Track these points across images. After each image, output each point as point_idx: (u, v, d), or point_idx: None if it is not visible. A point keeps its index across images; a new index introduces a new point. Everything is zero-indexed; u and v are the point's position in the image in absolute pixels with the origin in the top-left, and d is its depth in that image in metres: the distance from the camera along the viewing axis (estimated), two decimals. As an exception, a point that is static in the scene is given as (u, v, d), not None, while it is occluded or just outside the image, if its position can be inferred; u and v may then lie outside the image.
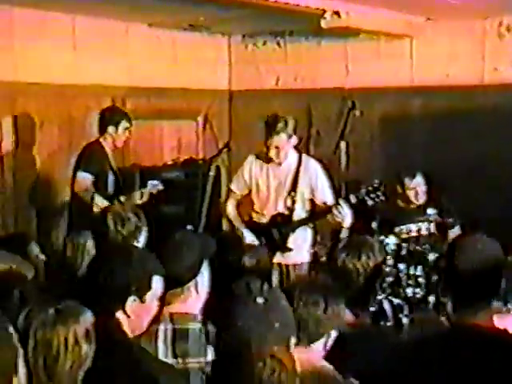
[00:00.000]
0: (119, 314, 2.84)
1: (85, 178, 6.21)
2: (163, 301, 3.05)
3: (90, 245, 5.13)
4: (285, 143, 5.67)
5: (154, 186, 6.49)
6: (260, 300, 2.57)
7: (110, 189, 6.38)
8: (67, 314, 2.45)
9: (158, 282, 2.93)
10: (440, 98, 7.47)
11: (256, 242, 5.65)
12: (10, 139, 6.84)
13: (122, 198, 6.25)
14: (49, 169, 7.07)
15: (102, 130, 6.39)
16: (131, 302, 2.84)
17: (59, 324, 2.43)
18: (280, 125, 5.60)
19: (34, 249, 4.20)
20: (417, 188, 6.40)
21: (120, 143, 6.45)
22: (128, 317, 2.84)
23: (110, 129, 6.35)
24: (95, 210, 6.14)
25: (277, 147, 5.66)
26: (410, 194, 6.42)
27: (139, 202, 6.20)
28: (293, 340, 2.58)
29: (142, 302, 2.87)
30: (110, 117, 6.40)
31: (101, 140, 6.41)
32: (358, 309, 3.42)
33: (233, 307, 2.57)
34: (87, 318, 2.47)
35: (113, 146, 6.42)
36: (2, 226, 6.75)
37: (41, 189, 7.05)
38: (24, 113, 6.87)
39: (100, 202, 6.14)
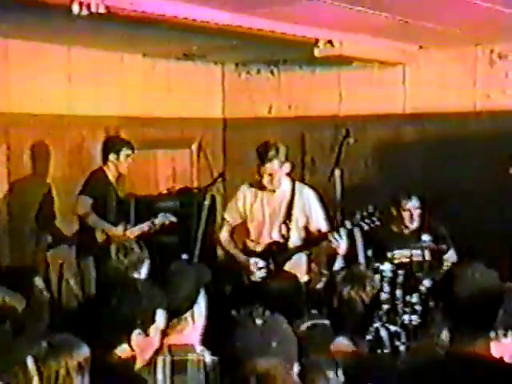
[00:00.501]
0: (124, 347, 2.83)
1: (85, 201, 6.38)
2: (164, 334, 3.06)
3: (92, 275, 5.17)
4: (277, 170, 5.69)
5: (167, 217, 6.54)
6: (259, 321, 2.56)
7: (113, 216, 6.45)
8: (60, 348, 2.42)
9: (161, 316, 2.95)
10: (433, 124, 7.52)
11: (261, 264, 5.68)
12: (4, 169, 6.84)
13: (129, 227, 6.32)
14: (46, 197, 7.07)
15: (105, 158, 6.58)
16: (136, 336, 2.85)
17: (51, 357, 2.41)
18: (271, 152, 5.62)
19: (39, 284, 4.17)
20: (412, 210, 6.42)
21: (123, 170, 6.61)
22: (132, 350, 2.86)
23: (111, 156, 6.52)
24: (97, 235, 6.24)
25: (270, 174, 5.68)
26: (405, 216, 6.43)
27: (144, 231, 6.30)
28: (296, 367, 2.56)
29: (147, 335, 2.88)
30: (111, 145, 6.61)
31: (104, 168, 6.58)
32: (357, 338, 3.42)
33: (232, 331, 2.57)
34: (81, 351, 2.44)
35: (116, 173, 6.58)
36: (9, 257, 6.75)
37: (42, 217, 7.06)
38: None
39: (100, 225, 6.25)
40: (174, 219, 6.57)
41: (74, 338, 2.48)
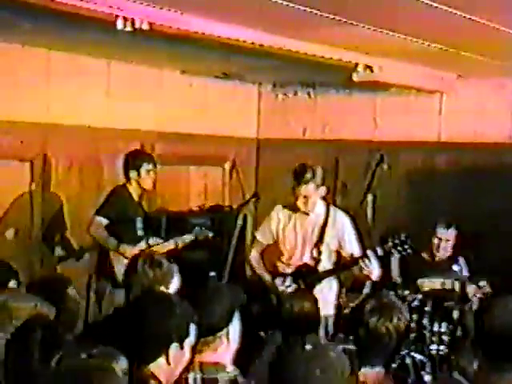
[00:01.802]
0: (160, 361, 2.86)
1: (99, 222, 6.26)
2: (195, 349, 3.07)
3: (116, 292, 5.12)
4: (313, 193, 5.68)
5: (203, 232, 6.51)
6: (308, 346, 2.56)
7: (140, 232, 6.41)
8: (101, 359, 2.42)
9: (193, 330, 2.96)
10: (467, 154, 7.48)
11: (288, 282, 5.67)
12: (39, 179, 6.90)
13: (151, 241, 6.28)
14: (75, 210, 7.11)
15: (126, 175, 6.43)
16: (174, 349, 2.88)
17: (92, 369, 2.41)
18: (308, 175, 5.61)
19: (74, 295, 4.18)
20: (448, 239, 6.41)
21: (147, 185, 6.43)
22: (169, 364, 2.87)
23: (132, 173, 6.37)
24: (111, 255, 6.20)
25: (305, 197, 5.67)
26: (440, 244, 6.42)
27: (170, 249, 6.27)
28: None
29: (181, 348, 2.91)
30: (131, 161, 6.42)
31: (127, 185, 6.44)
32: (383, 367, 3.40)
33: (281, 354, 2.58)
34: (120, 363, 2.44)
35: (139, 189, 6.43)
36: (28, 266, 6.78)
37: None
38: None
39: (111, 245, 6.20)
40: (210, 235, 6.51)
41: (113, 349, 2.47)
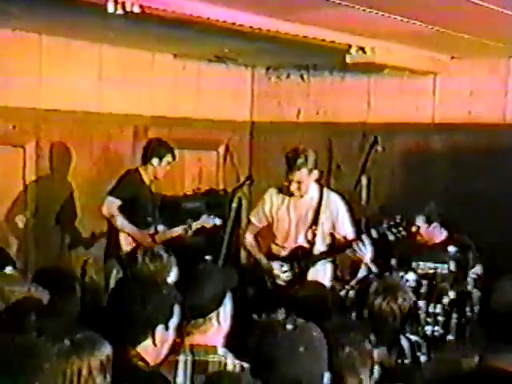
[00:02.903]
0: (147, 343, 2.89)
1: (112, 202, 6.31)
2: (181, 331, 3.09)
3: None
4: (306, 178, 5.67)
5: (212, 220, 6.52)
6: (289, 326, 2.56)
7: (149, 217, 6.48)
8: (83, 346, 2.40)
9: (177, 310, 3.00)
10: (462, 135, 7.47)
11: (286, 267, 5.68)
12: (33, 165, 6.88)
13: (161, 228, 6.31)
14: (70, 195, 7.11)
15: (145, 161, 6.50)
16: (160, 330, 2.93)
17: (74, 355, 2.40)
18: (300, 160, 5.59)
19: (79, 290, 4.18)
20: (421, 229, 6.38)
21: (161, 175, 6.56)
22: (155, 345, 2.92)
23: (155, 161, 6.46)
24: (121, 237, 6.23)
25: (298, 182, 5.67)
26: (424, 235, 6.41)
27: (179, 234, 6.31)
28: (326, 375, 2.55)
29: (167, 330, 2.96)
30: (157, 149, 6.50)
31: (140, 169, 6.51)
32: (387, 348, 3.42)
33: (261, 335, 2.57)
34: (103, 350, 2.41)
35: (153, 177, 6.53)
36: (23, 253, 6.79)
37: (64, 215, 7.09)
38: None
39: (121, 225, 6.28)
40: (219, 223, 6.55)
41: (97, 335, 2.45)
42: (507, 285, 3.09)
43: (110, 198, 6.33)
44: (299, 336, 2.54)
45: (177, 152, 6.77)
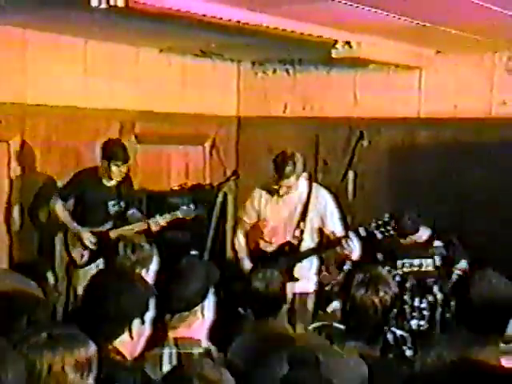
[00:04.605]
0: (124, 337, 2.91)
1: (55, 200, 6.46)
2: (156, 323, 3.09)
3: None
4: (294, 183, 5.68)
5: (187, 211, 6.48)
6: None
7: (108, 215, 6.47)
8: (59, 341, 2.38)
9: (152, 304, 3.02)
10: (448, 129, 7.48)
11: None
12: (17, 160, 6.86)
13: (130, 226, 6.30)
14: (51, 190, 7.06)
15: (101, 161, 6.49)
16: (136, 324, 2.95)
17: (47, 349, 2.36)
18: (289, 168, 5.57)
19: (50, 277, 4.19)
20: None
21: (116, 177, 6.45)
22: (132, 339, 2.93)
23: (103, 163, 6.44)
24: (68, 235, 6.32)
25: (288, 187, 5.67)
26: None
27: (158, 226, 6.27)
28: None
29: (143, 323, 2.98)
30: (103, 152, 6.46)
31: (99, 168, 6.50)
32: (370, 342, 3.42)
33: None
34: (83, 348, 2.39)
35: (108, 178, 6.47)
36: (8, 247, 6.77)
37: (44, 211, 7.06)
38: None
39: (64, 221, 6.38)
40: (193, 215, 6.51)
41: (81, 334, 2.44)
42: (482, 279, 3.10)
43: (59, 197, 6.45)
44: None
45: (163, 147, 6.73)
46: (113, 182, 6.48)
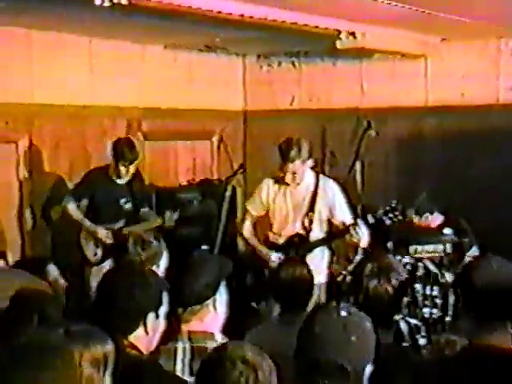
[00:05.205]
0: (139, 332, 2.93)
1: (71, 203, 6.47)
2: (170, 317, 3.12)
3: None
4: (300, 168, 5.66)
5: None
6: (344, 313, 2.57)
7: (126, 210, 6.49)
8: (76, 337, 2.34)
9: (166, 298, 3.04)
10: (455, 117, 7.47)
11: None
12: (25, 160, 6.87)
13: (142, 224, 6.32)
14: (63, 190, 7.09)
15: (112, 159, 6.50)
16: (151, 319, 2.96)
17: (65, 345, 2.34)
18: (293, 152, 5.56)
19: (53, 271, 4.21)
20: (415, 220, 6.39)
21: (124, 176, 6.46)
22: (147, 333, 2.95)
23: (113, 161, 6.45)
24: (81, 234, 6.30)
25: (293, 173, 5.66)
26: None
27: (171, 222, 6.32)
28: (369, 368, 2.56)
29: (157, 318, 2.99)
30: (112, 151, 6.46)
31: (110, 167, 6.52)
32: (383, 330, 3.42)
33: (315, 318, 2.58)
34: (100, 345, 2.37)
35: (116, 177, 6.49)
36: (19, 248, 6.78)
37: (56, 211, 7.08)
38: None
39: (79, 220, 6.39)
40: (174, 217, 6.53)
41: (99, 331, 2.42)
42: (486, 264, 3.09)
43: (71, 197, 6.50)
44: (352, 324, 2.55)
45: (170, 143, 6.74)
46: (124, 180, 6.49)
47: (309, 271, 4.33)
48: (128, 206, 6.54)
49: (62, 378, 2.15)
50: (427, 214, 6.35)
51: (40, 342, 2.25)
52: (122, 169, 6.39)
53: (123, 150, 6.39)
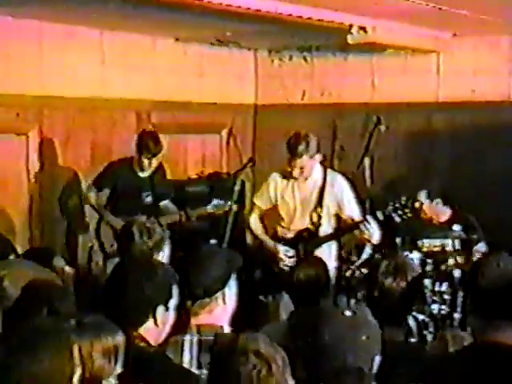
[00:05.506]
0: (149, 324, 2.95)
1: (92, 193, 6.56)
2: (180, 310, 3.12)
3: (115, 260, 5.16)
4: (308, 163, 5.66)
5: (218, 206, 6.55)
6: (348, 313, 2.57)
7: (146, 203, 6.55)
8: (87, 328, 2.36)
9: (175, 290, 3.04)
10: (466, 113, 7.44)
11: (291, 253, 5.70)
12: (36, 152, 6.89)
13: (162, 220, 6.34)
14: (73, 181, 7.11)
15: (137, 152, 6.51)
16: (161, 311, 2.97)
17: (76, 336, 2.32)
18: (301, 147, 5.56)
19: (60, 262, 4.23)
20: (425, 205, 6.38)
21: (147, 169, 6.52)
22: (157, 326, 2.97)
23: (136, 154, 6.49)
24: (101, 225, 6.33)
25: (301, 168, 5.67)
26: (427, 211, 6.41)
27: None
28: (377, 358, 2.56)
29: (167, 310, 3.01)
30: (137, 144, 6.49)
31: (133, 159, 6.56)
32: (395, 327, 3.43)
33: (319, 321, 2.57)
34: (111, 336, 2.37)
35: (139, 169, 6.53)
36: (28, 240, 6.80)
37: (66, 201, 7.11)
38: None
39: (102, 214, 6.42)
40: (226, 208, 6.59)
41: (111, 323, 2.42)
42: (493, 262, 3.09)
43: (93, 188, 6.58)
44: (360, 324, 2.55)
45: (180, 136, 6.75)
46: (147, 173, 6.52)
47: (326, 270, 4.34)
48: (148, 199, 6.57)
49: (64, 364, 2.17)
50: (439, 200, 6.35)
51: (48, 332, 2.27)
52: (145, 161, 6.41)
53: (147, 142, 6.41)
